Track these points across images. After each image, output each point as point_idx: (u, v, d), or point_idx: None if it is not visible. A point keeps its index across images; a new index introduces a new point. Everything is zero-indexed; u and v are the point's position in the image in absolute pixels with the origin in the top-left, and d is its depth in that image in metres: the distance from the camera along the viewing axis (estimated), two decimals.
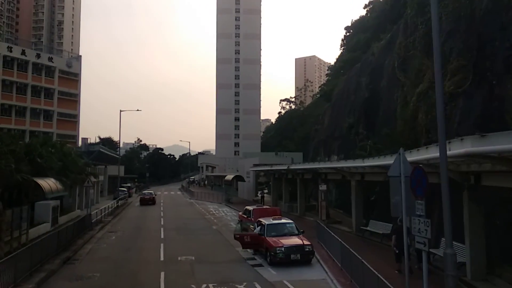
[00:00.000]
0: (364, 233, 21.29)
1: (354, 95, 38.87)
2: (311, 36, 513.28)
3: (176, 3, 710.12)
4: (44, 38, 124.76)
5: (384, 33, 36.58)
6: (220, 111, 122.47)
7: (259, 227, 17.07)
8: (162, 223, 28.17)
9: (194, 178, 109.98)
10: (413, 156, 12.26)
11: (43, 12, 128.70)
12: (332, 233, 15.45)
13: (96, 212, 27.11)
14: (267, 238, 15.78)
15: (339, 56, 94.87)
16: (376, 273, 9.28)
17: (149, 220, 30.30)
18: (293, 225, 16.88)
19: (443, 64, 15.03)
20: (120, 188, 51.77)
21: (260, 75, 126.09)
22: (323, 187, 21.64)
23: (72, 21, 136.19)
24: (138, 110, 46.73)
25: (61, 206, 28.91)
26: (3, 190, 15.30)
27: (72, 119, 59.89)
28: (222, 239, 21.30)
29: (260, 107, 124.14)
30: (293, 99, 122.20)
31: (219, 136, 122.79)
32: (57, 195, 20.21)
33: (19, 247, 17.04)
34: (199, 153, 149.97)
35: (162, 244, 19.47)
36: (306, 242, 15.32)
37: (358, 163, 18.78)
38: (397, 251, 13.23)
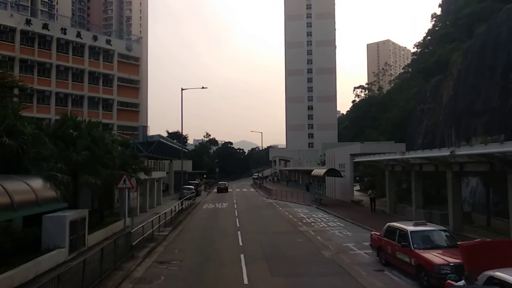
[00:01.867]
0: None
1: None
2: (381, 21, 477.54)
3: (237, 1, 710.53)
4: (113, 34, 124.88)
5: None
6: (290, 100, 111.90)
7: None
8: (240, 242, 18.44)
9: (258, 174, 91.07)
10: None
11: (112, 9, 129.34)
12: None
13: (144, 225, 18.08)
14: None
15: (432, 28, 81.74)
16: None
17: (221, 235, 20.76)
18: None
19: None
20: (186, 186, 43.81)
21: (335, 57, 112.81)
22: None
23: (140, 16, 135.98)
24: (203, 87, 38.08)
25: (103, 214, 20.64)
26: None
27: (134, 109, 53.62)
28: None
29: (336, 92, 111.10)
30: (368, 86, 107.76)
31: (290, 127, 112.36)
32: (27, 213, 11.24)
33: None
34: (269, 147, 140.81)
35: None
36: None
37: None
38: None
